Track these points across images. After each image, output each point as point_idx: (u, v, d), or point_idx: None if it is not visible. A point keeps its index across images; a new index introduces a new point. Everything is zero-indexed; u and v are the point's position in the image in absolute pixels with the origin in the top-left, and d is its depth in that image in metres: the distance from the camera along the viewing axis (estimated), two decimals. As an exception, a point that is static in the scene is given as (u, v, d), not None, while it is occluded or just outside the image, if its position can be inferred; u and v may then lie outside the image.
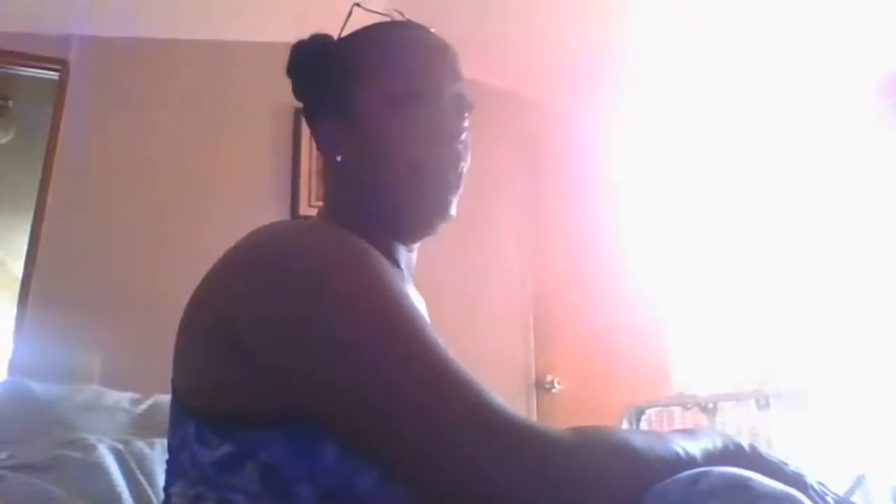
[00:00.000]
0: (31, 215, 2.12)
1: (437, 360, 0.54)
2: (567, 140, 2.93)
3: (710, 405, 2.14)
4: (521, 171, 2.85)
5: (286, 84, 0.81)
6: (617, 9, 2.41)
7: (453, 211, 0.75)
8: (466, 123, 0.76)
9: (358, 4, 0.80)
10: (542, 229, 2.82)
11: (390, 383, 0.52)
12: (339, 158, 0.75)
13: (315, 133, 0.79)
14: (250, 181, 2.39)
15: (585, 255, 2.76)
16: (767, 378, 2.43)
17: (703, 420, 2.15)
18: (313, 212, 2.84)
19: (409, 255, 0.79)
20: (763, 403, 2.04)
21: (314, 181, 2.45)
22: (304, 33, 0.81)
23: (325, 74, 0.76)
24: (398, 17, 0.80)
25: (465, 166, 0.75)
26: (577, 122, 2.95)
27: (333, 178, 0.79)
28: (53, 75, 2.24)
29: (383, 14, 0.79)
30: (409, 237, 0.77)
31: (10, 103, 2.76)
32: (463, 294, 2.47)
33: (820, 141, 2.69)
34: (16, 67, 2.25)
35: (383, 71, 0.73)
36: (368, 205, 0.74)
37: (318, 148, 0.79)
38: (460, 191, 0.75)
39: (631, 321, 2.70)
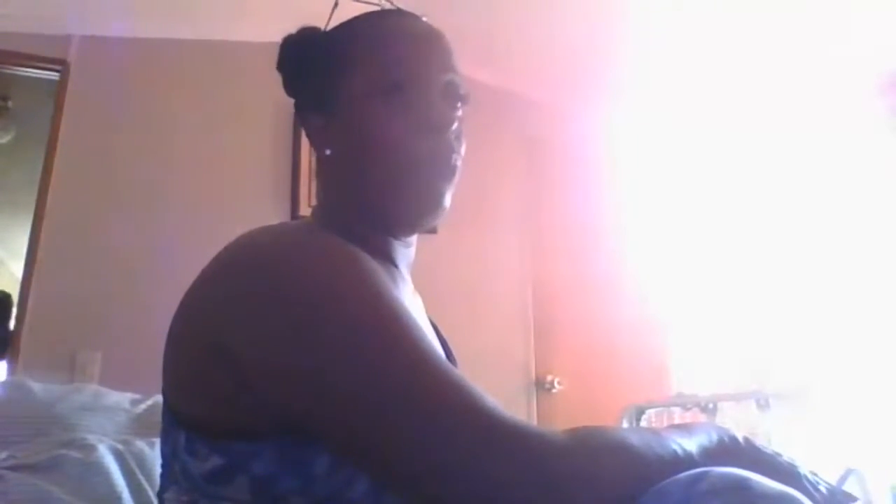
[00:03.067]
0: (31, 215, 2.12)
1: (431, 365, 0.54)
2: (567, 140, 2.93)
3: (710, 405, 2.15)
4: (521, 171, 2.85)
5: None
6: (617, 9, 2.41)
7: (446, 203, 0.72)
8: (459, 113, 0.73)
9: None
10: (542, 229, 2.82)
11: (385, 390, 0.52)
12: (327, 152, 0.74)
13: (305, 128, 0.78)
14: (250, 181, 2.39)
15: (585, 256, 2.76)
16: (767, 378, 2.43)
17: (702, 420, 2.15)
18: (313, 212, 2.79)
19: (407, 251, 0.78)
20: (763, 403, 2.04)
21: (314, 181, 2.45)
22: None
23: (312, 67, 0.75)
24: (388, 7, 0.78)
25: (459, 158, 0.73)
26: (577, 122, 2.95)
27: (324, 174, 0.77)
28: (53, 75, 2.24)
29: (373, 4, 0.77)
30: (401, 232, 0.75)
31: (10, 103, 2.76)
32: (463, 294, 2.47)
33: (819, 141, 2.69)
34: (16, 68, 2.25)
35: (368, 61, 0.71)
36: (359, 200, 0.73)
37: (311, 143, 0.78)
38: (454, 181, 0.73)
39: (631, 321, 2.70)
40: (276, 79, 0.80)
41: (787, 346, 2.59)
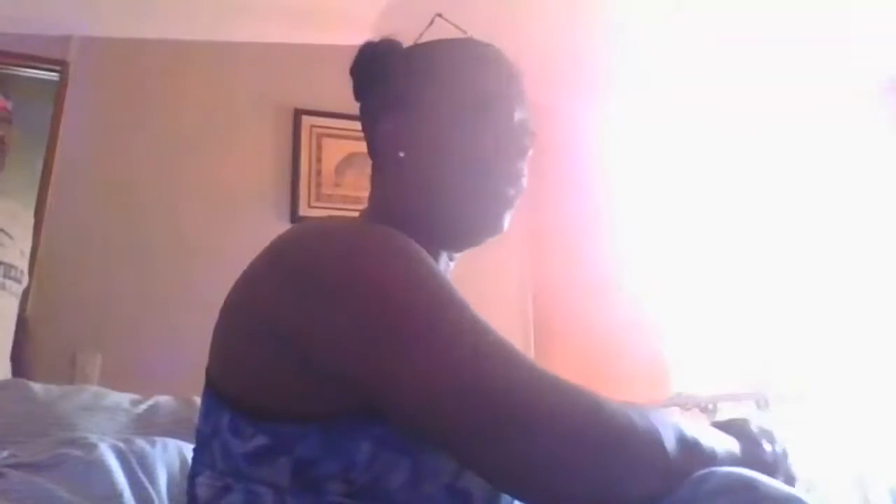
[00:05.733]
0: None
1: (499, 342, 0.58)
2: (566, 141, 2.93)
3: (710, 405, 2.15)
4: (521, 171, 2.85)
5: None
6: (618, 9, 2.41)
7: (506, 225, 0.76)
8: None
9: (440, 15, 0.82)
10: (542, 230, 2.82)
11: (463, 372, 0.54)
12: (401, 154, 0.75)
13: (373, 130, 0.79)
14: (250, 181, 2.39)
15: (585, 256, 2.76)
16: (767, 378, 2.43)
17: (702, 421, 2.15)
18: (313, 212, 2.82)
19: (450, 265, 0.80)
20: (763, 404, 2.04)
21: (314, 181, 2.45)
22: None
23: (394, 74, 0.77)
24: (467, 36, 0.81)
25: (523, 189, 0.76)
26: (578, 123, 2.95)
27: (386, 177, 0.78)
28: (53, 76, 2.24)
29: (461, 30, 0.81)
30: (454, 245, 0.78)
31: (10, 104, 2.76)
32: (463, 294, 2.47)
33: (820, 142, 2.70)
34: (16, 68, 2.25)
35: (466, 77, 0.75)
36: (421, 206, 0.74)
37: (373, 147, 0.79)
38: (514, 208, 0.76)
39: (631, 322, 2.70)
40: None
41: (786, 346, 2.59)
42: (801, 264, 2.66)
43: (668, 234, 2.98)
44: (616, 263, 2.80)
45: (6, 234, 1.73)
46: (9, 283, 1.71)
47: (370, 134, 0.79)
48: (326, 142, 2.48)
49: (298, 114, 2.45)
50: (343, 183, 2.46)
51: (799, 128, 2.72)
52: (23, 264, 1.76)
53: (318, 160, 2.47)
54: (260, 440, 0.58)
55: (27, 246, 1.81)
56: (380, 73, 0.78)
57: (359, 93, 0.81)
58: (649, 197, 3.02)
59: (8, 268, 1.70)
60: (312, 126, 2.46)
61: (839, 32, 2.36)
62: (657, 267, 2.90)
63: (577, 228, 2.82)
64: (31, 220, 1.92)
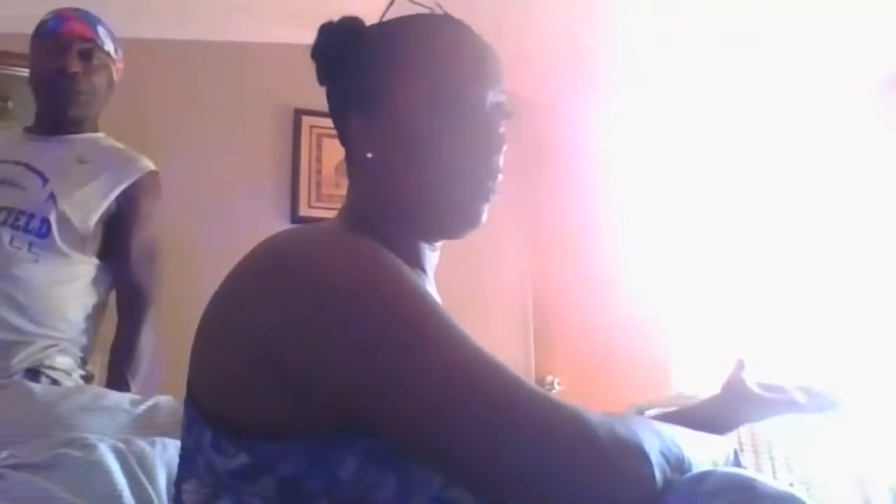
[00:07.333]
0: (31, 216, 2.11)
1: (474, 351, 0.55)
2: (567, 141, 2.93)
3: (710, 405, 2.14)
4: (521, 171, 2.85)
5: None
6: (618, 9, 2.41)
7: (484, 219, 0.74)
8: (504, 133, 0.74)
9: None
10: (542, 230, 2.82)
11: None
12: (369, 155, 0.72)
13: (341, 124, 0.76)
14: (250, 181, 2.40)
15: (585, 256, 2.76)
16: (767, 378, 2.43)
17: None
18: (313, 212, 2.82)
19: (433, 255, 0.78)
20: (763, 404, 2.03)
21: (314, 181, 2.46)
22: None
23: (359, 60, 0.73)
24: (438, 11, 0.77)
25: (500, 177, 0.74)
26: (577, 123, 2.95)
27: (360, 174, 0.77)
28: (53, 76, 2.23)
29: (425, 7, 0.77)
30: (434, 239, 0.77)
31: (10, 104, 2.76)
32: (463, 294, 2.45)
33: (820, 140, 2.69)
34: (16, 68, 2.25)
35: (428, 68, 0.71)
36: (397, 204, 0.73)
37: (343, 141, 0.77)
38: (494, 200, 0.74)
39: (631, 321, 2.70)
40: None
41: (786, 346, 2.59)
42: (800, 263, 2.66)
43: (669, 233, 2.98)
44: (616, 263, 2.80)
45: (35, 171, 1.47)
46: (20, 236, 1.40)
47: (340, 125, 0.77)
48: (326, 142, 2.48)
49: (298, 114, 2.46)
50: (343, 183, 2.46)
51: (799, 126, 2.72)
52: (46, 212, 1.44)
53: (318, 160, 2.48)
54: (242, 459, 0.56)
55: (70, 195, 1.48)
56: (344, 56, 0.74)
57: (322, 77, 0.77)
58: (649, 196, 3.02)
59: (16, 214, 1.42)
60: (312, 126, 2.47)
61: (838, 30, 2.35)
62: (657, 267, 2.90)
63: (577, 228, 2.81)
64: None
